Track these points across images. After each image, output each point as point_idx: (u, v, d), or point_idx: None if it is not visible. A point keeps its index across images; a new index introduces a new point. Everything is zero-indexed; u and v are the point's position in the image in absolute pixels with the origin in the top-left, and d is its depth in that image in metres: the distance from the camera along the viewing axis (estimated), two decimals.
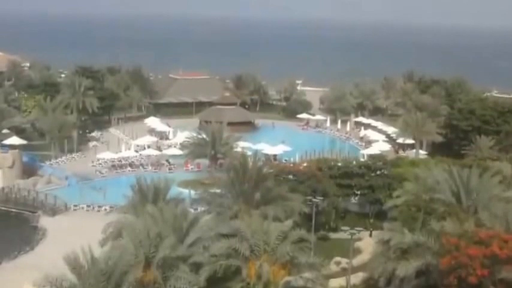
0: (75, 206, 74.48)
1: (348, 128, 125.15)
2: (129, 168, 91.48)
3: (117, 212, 50.98)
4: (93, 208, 73.70)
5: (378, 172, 70.13)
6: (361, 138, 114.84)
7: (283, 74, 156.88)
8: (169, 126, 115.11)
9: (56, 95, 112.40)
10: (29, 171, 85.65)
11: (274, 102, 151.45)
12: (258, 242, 38.12)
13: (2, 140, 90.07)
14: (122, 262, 34.65)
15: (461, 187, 48.29)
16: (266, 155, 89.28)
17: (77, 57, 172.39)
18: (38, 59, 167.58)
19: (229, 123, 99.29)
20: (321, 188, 63.58)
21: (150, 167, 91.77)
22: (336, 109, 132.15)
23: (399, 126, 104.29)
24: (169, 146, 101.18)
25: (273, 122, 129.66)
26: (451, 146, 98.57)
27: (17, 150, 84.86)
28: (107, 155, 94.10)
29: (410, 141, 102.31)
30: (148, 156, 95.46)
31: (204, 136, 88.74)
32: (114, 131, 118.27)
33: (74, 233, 58.96)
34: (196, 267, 37.50)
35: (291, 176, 65.72)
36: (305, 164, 76.39)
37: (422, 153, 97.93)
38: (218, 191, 54.09)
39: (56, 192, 78.17)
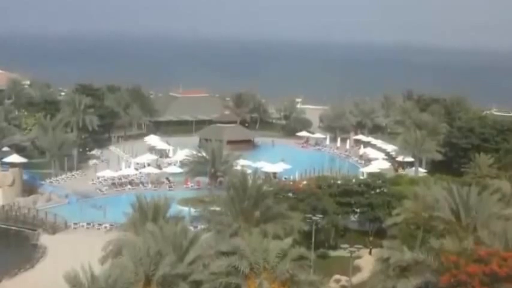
0: (75, 224, 74.56)
1: (348, 146, 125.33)
2: (129, 186, 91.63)
3: (117, 230, 51.18)
4: (93, 226, 73.83)
5: (378, 190, 70.27)
6: (361, 156, 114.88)
7: (283, 92, 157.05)
8: (169, 144, 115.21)
9: (56, 113, 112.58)
10: (29, 189, 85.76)
11: (273, 121, 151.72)
12: (257, 259, 38.16)
13: (2, 158, 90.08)
14: (122, 280, 34.75)
15: (461, 205, 48.28)
16: (266, 173, 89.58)
17: (77, 75, 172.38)
18: (38, 77, 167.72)
19: (229, 141, 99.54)
20: (321, 206, 63.63)
21: (150, 185, 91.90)
22: (336, 127, 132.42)
23: (399, 144, 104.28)
24: (169, 164, 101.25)
25: (272, 140, 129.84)
26: (450, 164, 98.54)
27: (17, 168, 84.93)
28: (107, 173, 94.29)
29: (409, 159, 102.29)
30: (148, 174, 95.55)
31: (204, 154, 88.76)
32: (114, 149, 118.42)
33: (74, 251, 58.99)
34: (196, 285, 37.56)
35: (290, 194, 65.92)
36: (305, 182, 76.58)
37: (422, 171, 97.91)
38: (218, 208, 54.14)
39: (56, 210, 78.29)
